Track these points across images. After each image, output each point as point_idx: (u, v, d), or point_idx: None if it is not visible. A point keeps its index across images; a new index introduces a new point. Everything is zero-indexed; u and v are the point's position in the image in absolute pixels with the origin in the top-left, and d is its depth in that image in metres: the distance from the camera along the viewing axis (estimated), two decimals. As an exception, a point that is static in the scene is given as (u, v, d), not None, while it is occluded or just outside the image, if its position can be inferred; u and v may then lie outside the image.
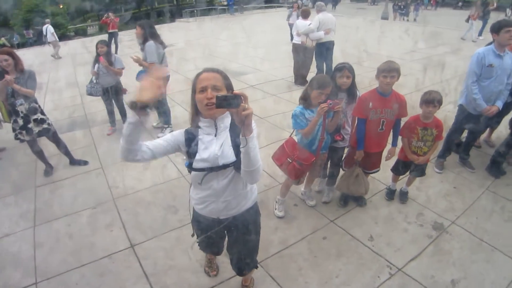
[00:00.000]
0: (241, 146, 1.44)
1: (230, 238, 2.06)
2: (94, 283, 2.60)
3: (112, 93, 4.96)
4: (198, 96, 1.57)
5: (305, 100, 2.76)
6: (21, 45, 19.90)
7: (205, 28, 16.64)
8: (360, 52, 9.34)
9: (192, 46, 12.32)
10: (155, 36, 4.44)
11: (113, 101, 5.06)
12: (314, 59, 6.99)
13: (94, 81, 4.91)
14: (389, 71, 2.75)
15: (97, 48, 4.79)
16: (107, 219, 3.29)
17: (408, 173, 3.32)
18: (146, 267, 2.73)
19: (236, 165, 1.64)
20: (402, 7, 20.02)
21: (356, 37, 11.52)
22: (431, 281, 2.52)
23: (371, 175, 3.37)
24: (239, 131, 1.55)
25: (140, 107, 1.38)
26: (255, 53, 10.23)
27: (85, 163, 4.34)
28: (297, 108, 2.77)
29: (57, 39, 12.57)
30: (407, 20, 19.29)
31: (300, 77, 7.15)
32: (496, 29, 3.28)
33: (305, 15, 6.82)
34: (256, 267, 2.29)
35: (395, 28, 15.21)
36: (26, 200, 3.62)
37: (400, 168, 3.31)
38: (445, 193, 3.52)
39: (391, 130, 3.05)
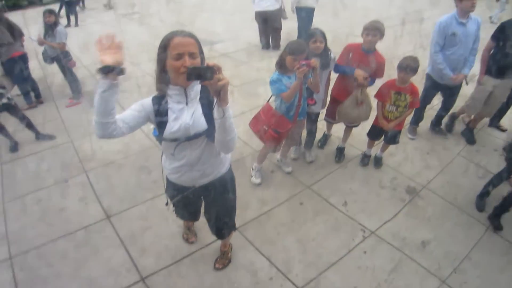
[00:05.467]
0: (216, 117, 1.39)
1: (207, 202, 2.05)
2: (71, 254, 2.57)
3: (59, 63, 4.80)
4: (173, 63, 1.44)
5: (280, 66, 2.71)
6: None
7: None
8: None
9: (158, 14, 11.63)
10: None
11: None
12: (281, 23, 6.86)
13: (45, 48, 4.75)
14: (371, 30, 2.88)
15: (44, 17, 4.52)
16: (80, 192, 3.20)
17: (382, 138, 3.37)
18: (123, 237, 2.70)
19: (208, 133, 1.59)
20: None
21: None
22: (402, 243, 2.63)
23: (347, 141, 3.49)
24: (210, 98, 1.52)
25: (110, 70, 1.29)
26: (221, 20, 9.84)
27: (52, 137, 4.13)
28: (274, 74, 2.73)
29: None
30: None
31: (274, 42, 7.07)
32: None
33: None
34: (235, 230, 2.30)
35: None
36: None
37: (375, 133, 3.35)
38: (419, 158, 3.62)
39: None
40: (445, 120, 4.07)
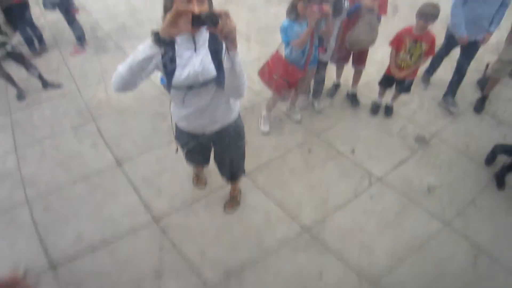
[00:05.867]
0: (225, 63, 1.38)
1: (217, 148, 2.07)
2: (84, 197, 2.67)
3: (61, 10, 4.58)
4: (181, 5, 1.37)
5: (291, 12, 2.59)
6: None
7: None
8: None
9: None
10: None
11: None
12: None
13: None
14: None
15: None
16: (90, 138, 3.24)
17: (394, 87, 3.30)
18: (135, 182, 2.78)
19: (217, 80, 1.56)
20: None
21: None
22: (409, 189, 2.68)
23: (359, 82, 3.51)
24: (219, 44, 1.48)
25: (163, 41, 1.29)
26: None
27: (59, 86, 4.08)
28: (284, 21, 2.62)
29: None
30: None
31: None
32: None
33: None
34: (244, 174, 2.35)
35: None
36: (3, 127, 3.48)
37: (387, 82, 3.27)
38: (431, 107, 3.56)
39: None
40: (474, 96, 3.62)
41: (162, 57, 1.46)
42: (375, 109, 3.45)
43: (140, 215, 2.53)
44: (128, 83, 1.41)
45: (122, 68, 1.37)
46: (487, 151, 2.94)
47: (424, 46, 2.90)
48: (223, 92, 1.61)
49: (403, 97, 3.42)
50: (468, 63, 3.32)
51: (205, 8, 1.40)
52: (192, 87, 1.57)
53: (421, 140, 3.13)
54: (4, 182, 2.83)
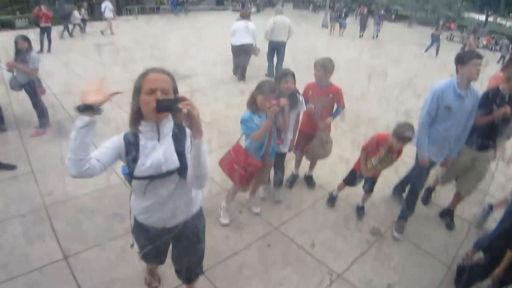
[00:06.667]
0: (191, 151, 1.41)
1: (176, 246, 1.97)
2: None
3: (27, 90, 4.63)
4: (145, 97, 1.46)
5: (251, 105, 2.76)
6: None
7: (147, 28, 16.01)
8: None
9: (135, 45, 11.78)
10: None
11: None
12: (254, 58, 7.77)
13: (14, 75, 4.57)
14: (320, 66, 3.21)
15: (16, 44, 4.42)
16: (38, 228, 2.97)
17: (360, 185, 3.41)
18: (80, 280, 2.50)
19: (180, 171, 1.57)
20: (341, 15, 16.52)
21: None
22: (369, 286, 2.63)
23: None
24: (182, 135, 1.54)
25: (89, 109, 1.33)
26: (198, 55, 10.10)
27: (12, 167, 3.86)
28: (245, 113, 2.76)
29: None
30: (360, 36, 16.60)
31: (240, 74, 7.80)
32: (462, 60, 2.68)
33: (243, 16, 7.46)
34: (202, 273, 2.21)
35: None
36: None
37: (353, 178, 3.34)
38: (385, 204, 3.70)
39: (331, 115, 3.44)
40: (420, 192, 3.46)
41: (126, 146, 1.51)
42: (331, 201, 3.54)
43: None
44: (78, 164, 1.38)
45: (68, 151, 1.37)
46: (440, 243, 3.07)
47: (394, 157, 3.06)
48: (185, 182, 1.59)
49: (356, 190, 3.54)
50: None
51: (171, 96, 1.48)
52: (154, 177, 1.55)
53: (377, 233, 3.19)
54: None
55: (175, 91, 1.53)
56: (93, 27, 14.21)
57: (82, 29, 13.73)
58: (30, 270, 2.53)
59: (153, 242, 1.84)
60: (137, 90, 1.49)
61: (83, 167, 1.38)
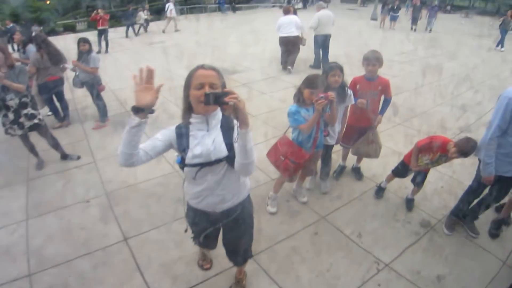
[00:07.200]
0: (237, 141, 1.53)
1: (226, 229, 2.11)
2: (88, 275, 2.64)
3: (88, 88, 5.12)
4: (194, 92, 1.60)
5: (298, 98, 2.83)
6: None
7: (196, 27, 16.65)
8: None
9: (184, 44, 12.36)
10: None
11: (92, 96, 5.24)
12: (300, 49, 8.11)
13: (77, 73, 5.08)
14: (371, 60, 3.24)
15: (79, 45, 4.90)
16: (101, 213, 3.31)
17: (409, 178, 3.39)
18: (139, 260, 2.77)
19: (228, 159, 1.70)
20: (394, 8, 15.51)
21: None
22: (417, 277, 2.62)
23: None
24: (230, 125, 1.66)
25: (141, 111, 1.46)
26: (248, 50, 10.35)
27: (77, 157, 4.32)
28: (292, 107, 2.84)
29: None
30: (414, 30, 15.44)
31: (290, 63, 8.16)
32: None
33: (286, 12, 7.87)
34: (251, 257, 2.35)
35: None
36: (19, 194, 3.62)
37: (404, 170, 3.32)
38: (436, 194, 3.60)
39: (379, 108, 3.48)
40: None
41: (178, 137, 1.66)
42: (379, 192, 3.53)
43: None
44: (129, 157, 1.55)
45: (120, 144, 1.53)
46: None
47: (448, 160, 2.96)
48: (233, 170, 1.72)
49: (406, 182, 3.50)
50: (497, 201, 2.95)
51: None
52: (204, 165, 1.70)
53: (426, 225, 3.14)
54: (9, 251, 2.85)
55: (223, 86, 1.66)
56: (154, 26, 15.59)
57: (145, 29, 15.12)
58: (95, 250, 2.86)
59: (204, 226, 2.00)
60: (187, 86, 1.64)
61: (130, 160, 1.55)
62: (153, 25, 16.06)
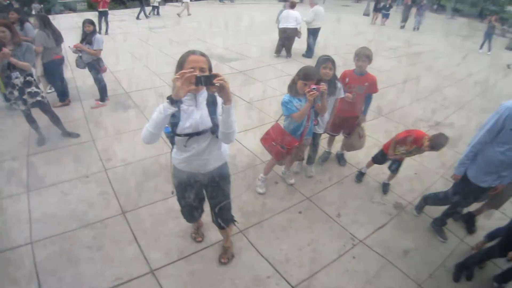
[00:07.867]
0: (221, 114, 1.84)
1: (208, 189, 2.39)
2: (87, 243, 2.87)
3: (90, 68, 5.23)
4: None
5: (291, 89, 3.02)
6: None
7: (195, 14, 16.51)
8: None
9: (182, 30, 12.36)
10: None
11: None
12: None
13: (80, 55, 5.14)
14: (361, 56, 3.45)
15: (83, 26, 4.97)
16: (100, 188, 3.53)
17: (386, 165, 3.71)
18: (136, 232, 3.01)
19: (212, 129, 2.02)
20: (385, 6, 15.79)
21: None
22: (387, 251, 2.96)
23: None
24: (214, 102, 2.01)
25: (175, 102, 1.78)
26: (244, 40, 10.61)
27: (77, 135, 4.48)
28: (285, 96, 3.03)
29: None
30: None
31: (287, 52, 9.09)
32: None
33: (292, 6, 8.55)
34: (233, 222, 2.62)
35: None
36: (19, 168, 3.78)
37: (382, 158, 3.66)
38: (407, 179, 3.96)
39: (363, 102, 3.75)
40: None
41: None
42: (359, 177, 3.86)
43: (136, 265, 2.71)
44: (156, 137, 1.90)
45: (150, 126, 1.86)
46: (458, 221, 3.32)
47: (421, 152, 3.24)
48: (216, 140, 2.07)
49: (383, 168, 3.83)
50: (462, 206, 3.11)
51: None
52: (193, 134, 2.00)
53: (398, 207, 3.49)
54: (11, 220, 3.04)
55: (210, 69, 1.95)
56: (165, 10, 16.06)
57: (157, 12, 15.37)
58: (95, 221, 3.09)
59: (189, 188, 2.33)
60: (180, 68, 1.89)
61: (156, 139, 1.91)
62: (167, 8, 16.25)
